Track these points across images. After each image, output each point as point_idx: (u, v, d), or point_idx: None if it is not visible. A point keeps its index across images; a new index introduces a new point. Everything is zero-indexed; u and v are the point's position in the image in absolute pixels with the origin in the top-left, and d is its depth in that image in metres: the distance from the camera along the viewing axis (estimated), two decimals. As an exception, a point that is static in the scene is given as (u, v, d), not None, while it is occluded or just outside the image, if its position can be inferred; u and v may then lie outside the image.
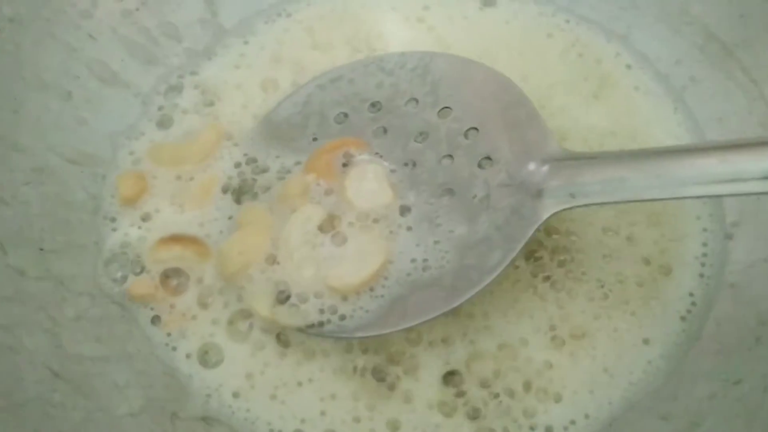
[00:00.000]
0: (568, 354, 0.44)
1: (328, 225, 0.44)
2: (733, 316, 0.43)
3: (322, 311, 0.42)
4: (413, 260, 0.43)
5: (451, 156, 0.44)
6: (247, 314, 0.45)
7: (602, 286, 0.46)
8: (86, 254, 0.46)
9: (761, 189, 0.35)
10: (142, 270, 0.46)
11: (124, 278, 0.46)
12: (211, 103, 0.51)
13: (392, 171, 0.45)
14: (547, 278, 0.46)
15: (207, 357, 0.44)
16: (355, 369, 0.44)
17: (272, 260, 0.43)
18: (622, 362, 0.44)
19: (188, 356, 0.44)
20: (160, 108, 0.51)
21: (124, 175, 0.48)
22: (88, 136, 0.49)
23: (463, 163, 0.44)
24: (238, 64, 0.53)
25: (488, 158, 0.44)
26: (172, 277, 0.46)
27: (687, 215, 0.48)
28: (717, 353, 0.42)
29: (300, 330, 0.43)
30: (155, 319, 0.45)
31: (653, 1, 0.52)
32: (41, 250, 0.44)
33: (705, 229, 0.47)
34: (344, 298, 0.42)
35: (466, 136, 0.45)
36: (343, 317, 0.42)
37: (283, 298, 0.43)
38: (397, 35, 0.54)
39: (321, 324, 0.42)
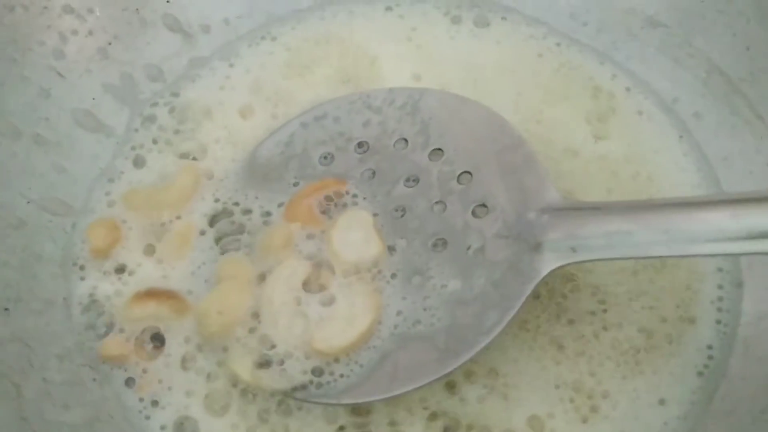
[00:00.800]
0: (590, 418, 0.42)
1: (314, 280, 0.41)
2: (746, 372, 0.41)
3: (306, 373, 0.39)
4: (399, 313, 0.40)
5: (443, 202, 0.42)
6: (223, 392, 0.42)
7: (631, 353, 0.43)
8: (55, 312, 0.43)
9: None
10: (116, 328, 0.43)
11: (96, 337, 0.43)
12: (190, 133, 0.49)
13: (380, 217, 0.42)
14: (575, 333, 0.43)
15: (182, 428, 0.41)
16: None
17: (254, 319, 0.41)
18: (638, 424, 0.42)
19: (163, 428, 0.41)
20: (134, 147, 0.49)
21: (96, 224, 0.46)
22: (59, 182, 0.47)
23: (457, 210, 0.41)
24: (222, 85, 0.51)
25: (483, 205, 0.41)
26: (147, 336, 0.43)
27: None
28: (730, 414, 0.40)
29: (285, 394, 0.40)
30: (129, 381, 0.42)
31: (654, 32, 0.49)
32: (6, 310, 0.42)
33: (720, 269, 0.45)
34: (333, 360, 0.39)
35: (459, 180, 0.42)
36: (336, 377, 0.39)
37: (266, 360, 0.40)
38: (386, 56, 0.52)
39: (308, 386, 0.39)
